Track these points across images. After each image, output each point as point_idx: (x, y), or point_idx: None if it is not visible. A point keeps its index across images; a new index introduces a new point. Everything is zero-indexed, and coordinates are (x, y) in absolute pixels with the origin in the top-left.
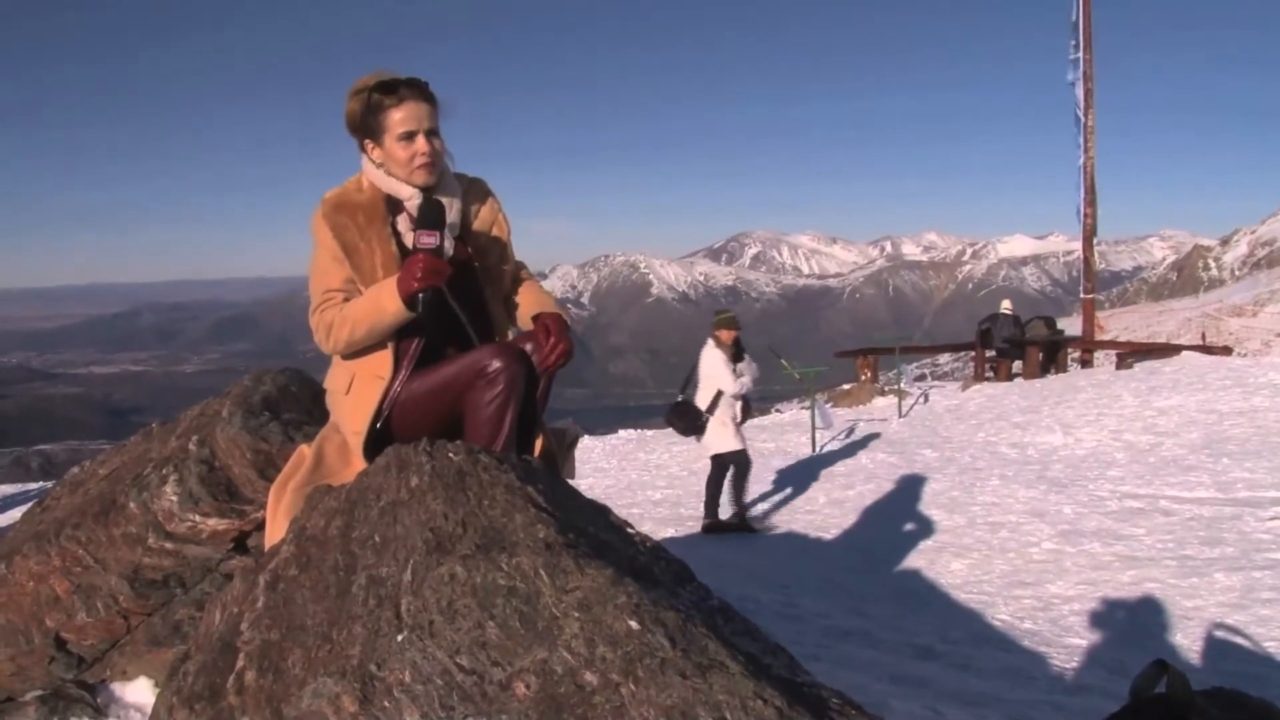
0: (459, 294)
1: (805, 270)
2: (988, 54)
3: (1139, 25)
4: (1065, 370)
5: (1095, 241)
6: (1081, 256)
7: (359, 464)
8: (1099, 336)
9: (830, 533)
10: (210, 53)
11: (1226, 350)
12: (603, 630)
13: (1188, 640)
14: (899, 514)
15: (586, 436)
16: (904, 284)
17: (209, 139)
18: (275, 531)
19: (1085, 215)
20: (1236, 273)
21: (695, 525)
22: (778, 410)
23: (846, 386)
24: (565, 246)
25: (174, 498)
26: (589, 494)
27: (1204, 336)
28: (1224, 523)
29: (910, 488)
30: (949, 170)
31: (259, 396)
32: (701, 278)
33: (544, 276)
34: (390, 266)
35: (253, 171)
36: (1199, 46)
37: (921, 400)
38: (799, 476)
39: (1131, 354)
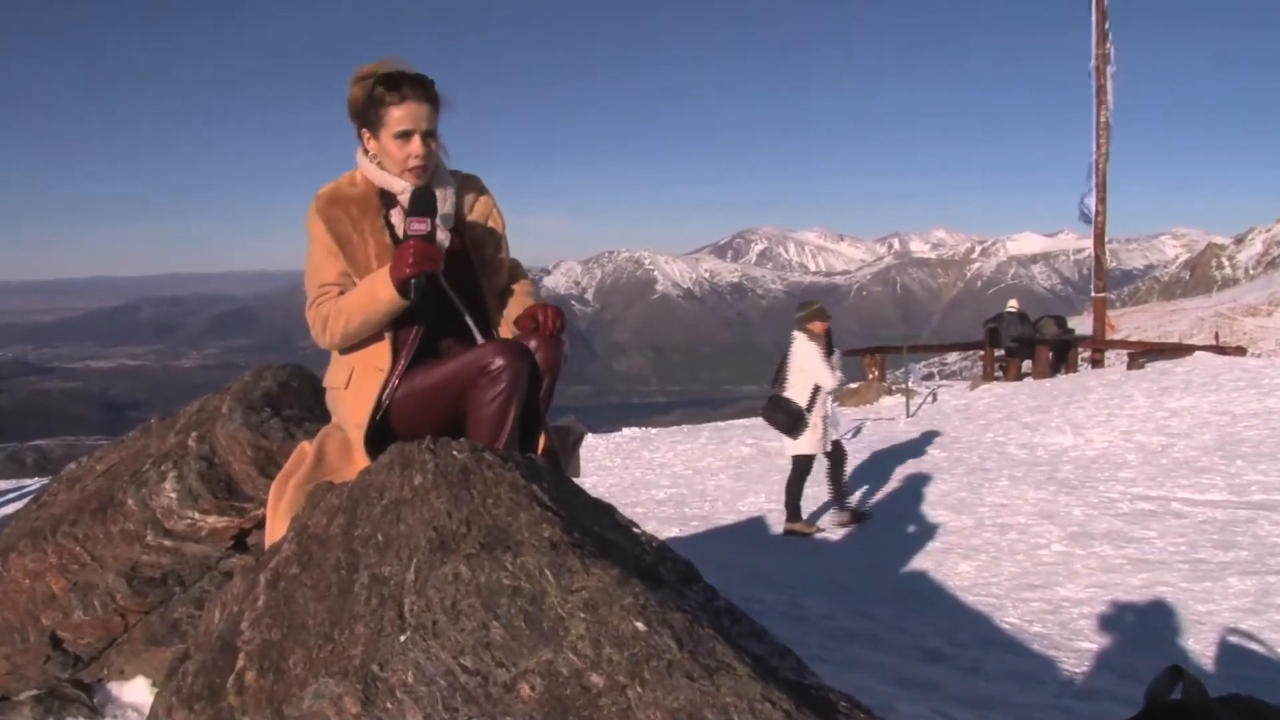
0: (455, 284)
1: (812, 267)
2: (998, 48)
3: (1152, 19)
4: (1075, 370)
5: (1106, 239)
6: (1093, 254)
7: (361, 461)
8: (1110, 336)
9: (836, 534)
10: (212, 43)
11: (1240, 350)
12: (609, 631)
13: (1201, 645)
14: (905, 515)
15: (590, 435)
16: (912, 282)
17: (210, 131)
18: (276, 529)
19: (1096, 213)
20: (1251, 272)
21: (700, 525)
22: None
23: (853, 385)
24: (569, 242)
25: (173, 494)
26: (592, 493)
27: (1217, 336)
28: (1238, 526)
29: (917, 488)
30: (958, 166)
31: (260, 392)
32: (707, 274)
33: (547, 272)
34: (384, 258)
35: (254, 164)
36: (1213, 40)
37: (929, 400)
38: None
39: (1143, 354)
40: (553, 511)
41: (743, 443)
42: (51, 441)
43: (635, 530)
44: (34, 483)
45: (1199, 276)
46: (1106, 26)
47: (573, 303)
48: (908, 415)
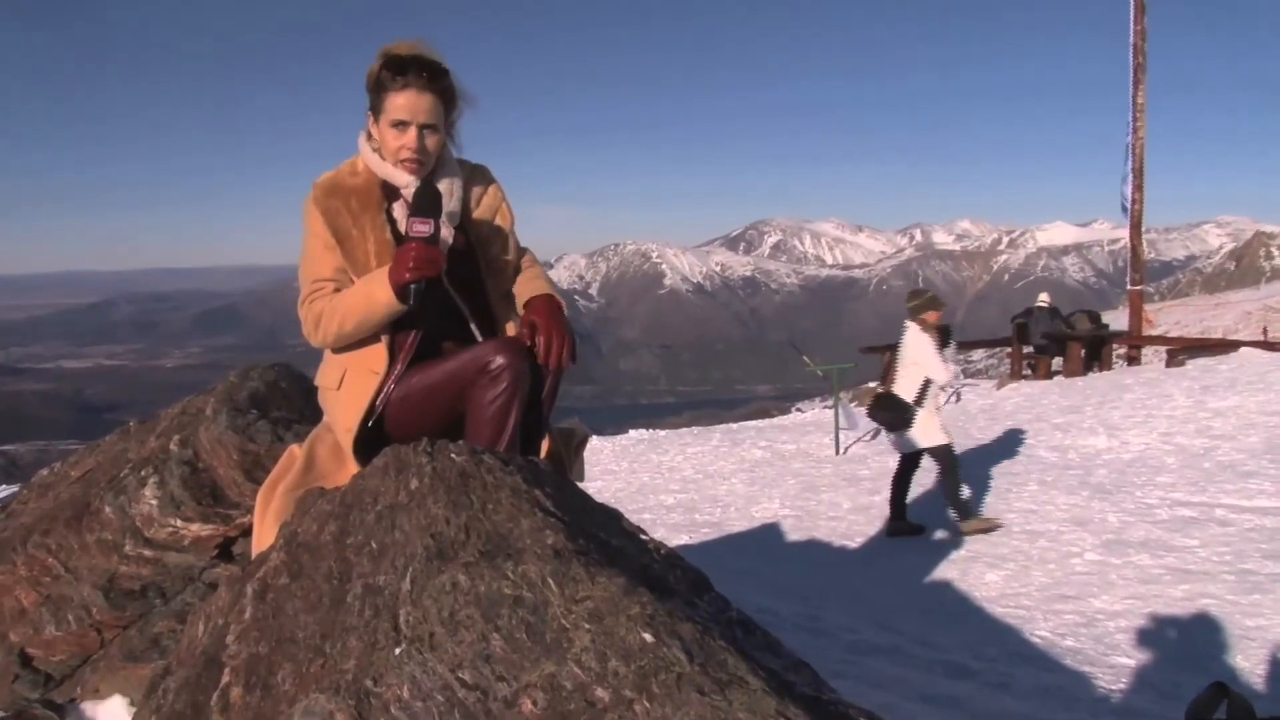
0: (459, 285)
1: (829, 260)
2: (1027, 23)
3: None
4: (1110, 368)
5: (1144, 228)
6: (1129, 245)
7: (353, 465)
8: (1147, 331)
9: (855, 541)
10: (194, 22)
11: None
12: (615, 643)
13: (1249, 662)
14: (929, 521)
15: (595, 437)
16: (935, 275)
17: (193, 117)
18: (264, 537)
19: (1133, 200)
20: None
21: (711, 532)
22: (799, 409)
23: (873, 384)
24: (572, 234)
25: (154, 501)
26: (598, 498)
27: (1265, 331)
28: None
29: (940, 493)
30: (984, 152)
31: (246, 393)
32: (718, 268)
33: (550, 266)
34: (384, 255)
35: (240, 153)
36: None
37: (953, 400)
38: (822, 480)
39: (1184, 350)
40: (556, 517)
41: (756, 445)
42: (22, 447)
43: (643, 537)
44: (2, 490)
45: (1245, 267)
46: None
47: (576, 298)
48: None
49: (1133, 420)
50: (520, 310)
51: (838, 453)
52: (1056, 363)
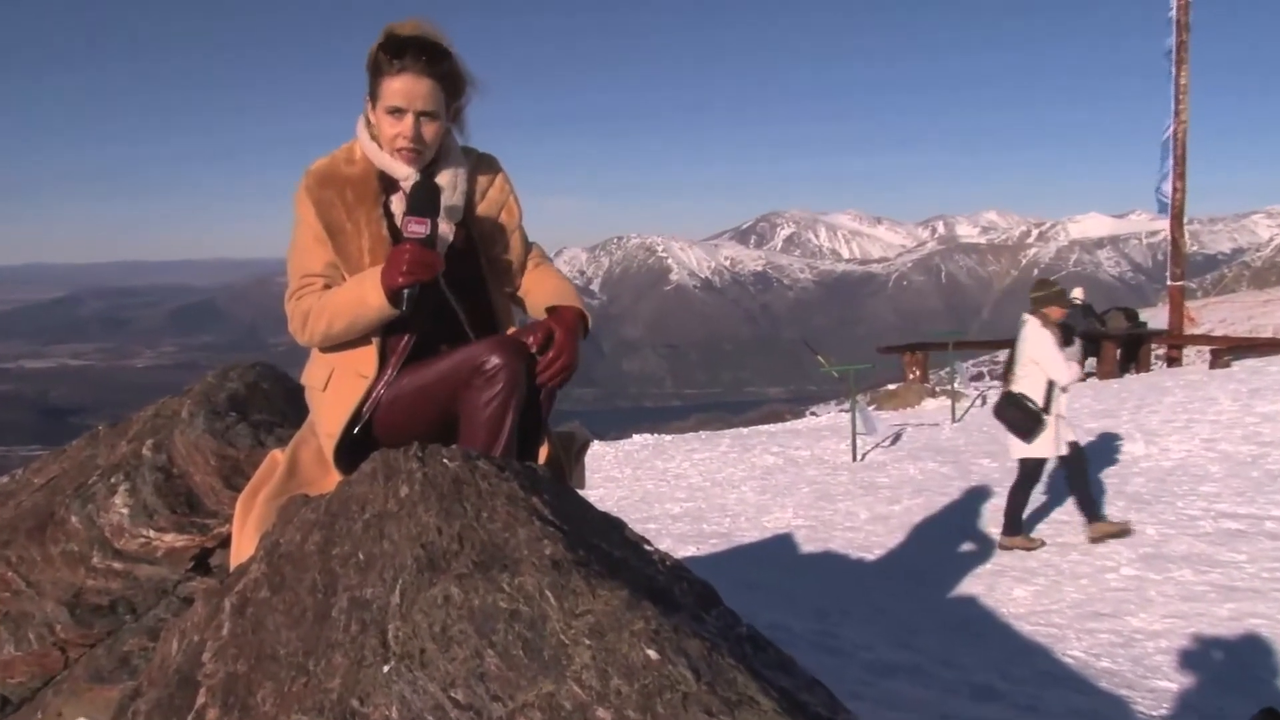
0: (458, 285)
1: (845, 254)
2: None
3: None
4: (1148, 369)
5: (1186, 219)
6: (1169, 237)
7: (339, 471)
8: (1189, 330)
9: (873, 553)
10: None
11: None
12: (617, 660)
13: None
14: (952, 532)
15: (596, 442)
16: (959, 270)
17: (167, 100)
18: (243, 548)
19: (1174, 189)
20: None
21: (720, 543)
22: (814, 413)
23: (892, 387)
24: (573, 226)
25: (124, 510)
26: (600, 506)
27: None
28: None
29: (965, 502)
30: (1012, 139)
31: (225, 395)
32: (727, 262)
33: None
34: (379, 251)
35: (220, 138)
36: None
37: (978, 403)
38: (838, 489)
39: (1229, 350)
40: (555, 526)
41: (767, 451)
42: None
43: (647, 548)
44: None
45: None
46: None
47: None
48: (954, 420)
49: (1173, 425)
50: (539, 312)
51: (855, 459)
52: (1090, 364)
